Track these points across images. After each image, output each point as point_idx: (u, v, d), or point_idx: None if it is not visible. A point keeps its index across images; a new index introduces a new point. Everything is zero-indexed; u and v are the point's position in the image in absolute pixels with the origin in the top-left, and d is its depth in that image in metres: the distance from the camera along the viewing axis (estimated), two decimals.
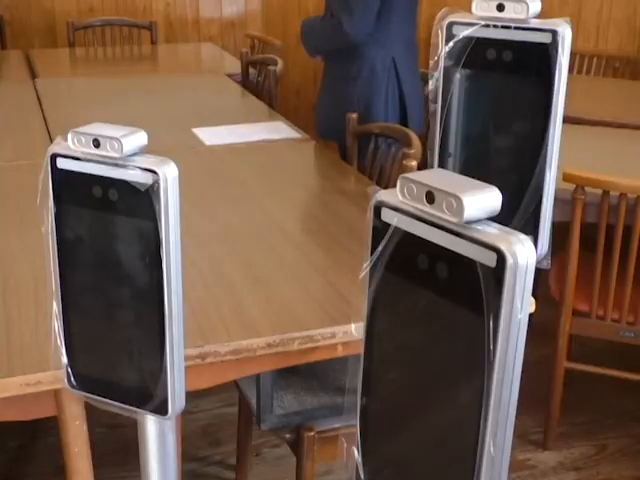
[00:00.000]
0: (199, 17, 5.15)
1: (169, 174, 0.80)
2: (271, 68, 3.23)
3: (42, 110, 2.84)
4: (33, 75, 3.53)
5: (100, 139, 0.82)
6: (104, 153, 0.82)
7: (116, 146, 0.81)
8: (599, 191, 2.05)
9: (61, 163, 0.84)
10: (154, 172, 0.79)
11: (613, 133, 2.78)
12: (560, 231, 2.09)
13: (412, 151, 2.07)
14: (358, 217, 1.82)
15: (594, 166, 2.18)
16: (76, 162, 0.83)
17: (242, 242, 1.73)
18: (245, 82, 3.50)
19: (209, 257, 1.64)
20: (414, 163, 2.03)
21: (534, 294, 0.69)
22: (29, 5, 4.89)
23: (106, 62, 4.17)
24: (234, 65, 3.79)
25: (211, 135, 2.58)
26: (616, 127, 2.83)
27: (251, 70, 3.58)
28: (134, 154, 0.82)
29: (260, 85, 3.43)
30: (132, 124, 2.32)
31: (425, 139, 2.26)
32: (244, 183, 2.14)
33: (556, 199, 0.96)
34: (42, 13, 4.92)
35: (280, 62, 3.30)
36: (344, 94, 2.57)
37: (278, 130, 2.66)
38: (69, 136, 0.85)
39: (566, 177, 2.05)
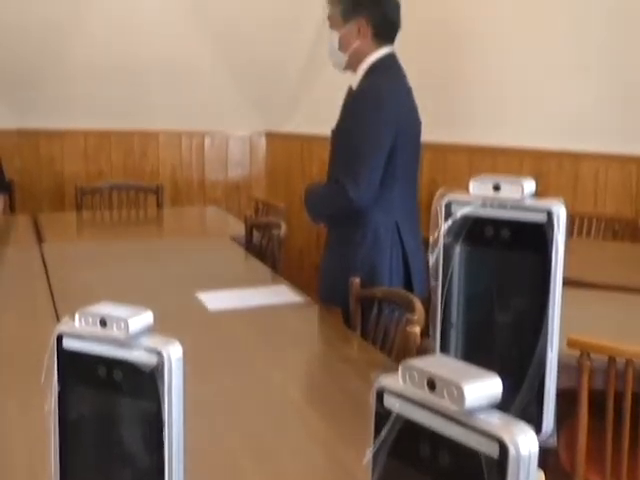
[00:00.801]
0: (205, 180, 5.35)
1: (173, 355, 0.81)
2: (275, 232, 3.32)
3: (47, 277, 2.90)
4: (40, 239, 3.62)
5: (107, 319, 0.84)
6: (110, 333, 0.84)
7: (122, 326, 0.83)
8: (605, 357, 2.05)
9: (67, 343, 0.86)
10: (158, 353, 0.81)
11: (616, 297, 2.82)
12: (567, 398, 2.07)
13: (415, 317, 2.10)
14: (362, 387, 1.82)
15: (598, 331, 2.19)
16: (82, 342, 0.85)
17: (245, 413, 1.72)
18: (249, 245, 3.59)
19: (210, 430, 1.63)
20: (417, 329, 2.05)
21: (543, 466, 0.69)
22: (40, 168, 5.10)
23: (112, 226, 4.29)
24: (238, 228, 3.89)
25: (214, 299, 2.62)
26: (619, 291, 2.87)
27: (255, 233, 3.67)
28: (140, 334, 0.84)
29: (264, 248, 3.51)
30: (136, 289, 2.38)
31: (428, 304, 2.29)
32: (247, 349, 2.15)
33: (561, 366, 0.97)
34: (52, 176, 5.12)
35: (283, 226, 3.40)
36: (348, 259, 2.62)
37: (281, 294, 2.70)
38: (76, 316, 0.88)
39: (570, 343, 2.05)
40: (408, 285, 2.61)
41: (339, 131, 2.67)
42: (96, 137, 5.14)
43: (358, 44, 2.65)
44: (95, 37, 4.70)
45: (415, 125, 2.72)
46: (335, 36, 2.66)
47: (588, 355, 2.07)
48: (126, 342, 0.84)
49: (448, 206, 1.00)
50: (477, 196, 0.96)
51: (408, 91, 2.68)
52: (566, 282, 1.04)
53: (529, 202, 0.94)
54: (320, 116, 4.89)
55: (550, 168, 4.15)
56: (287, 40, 4.80)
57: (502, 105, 4.19)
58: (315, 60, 4.75)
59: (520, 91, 4.13)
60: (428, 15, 4.24)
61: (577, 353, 2.07)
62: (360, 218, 2.59)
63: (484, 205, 0.94)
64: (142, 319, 0.86)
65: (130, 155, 5.22)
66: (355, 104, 2.59)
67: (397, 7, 2.68)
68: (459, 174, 4.36)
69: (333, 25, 2.68)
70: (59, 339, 0.87)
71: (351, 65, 2.69)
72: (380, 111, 2.52)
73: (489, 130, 4.24)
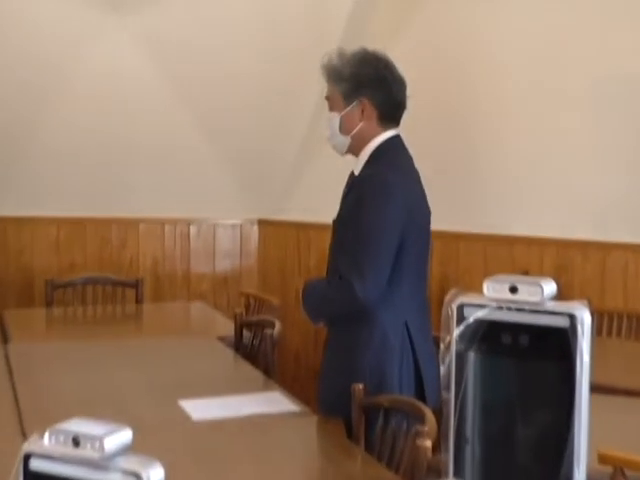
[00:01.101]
0: (190, 272, 5.37)
1: (154, 478, 0.81)
2: (268, 331, 3.31)
3: (12, 382, 2.88)
4: (5, 339, 3.61)
5: (80, 438, 0.84)
6: (84, 454, 0.84)
7: (97, 446, 0.83)
8: None
9: (35, 464, 0.86)
10: (137, 476, 0.81)
11: None
12: None
13: (426, 428, 2.08)
14: None
15: (632, 444, 2.17)
16: (52, 463, 0.85)
17: None
18: (238, 346, 3.57)
19: None
20: (428, 443, 2.03)
21: None
22: (6, 260, 5.12)
23: (86, 324, 4.28)
24: (226, 327, 3.89)
25: (199, 408, 2.60)
26: None
27: (245, 332, 3.66)
28: (117, 454, 0.84)
29: (255, 350, 3.49)
30: (113, 395, 2.36)
31: (440, 414, 2.27)
32: (236, 466, 2.12)
33: None
34: (20, 268, 5.14)
35: (278, 324, 3.39)
36: (352, 364, 2.60)
37: (274, 402, 2.68)
38: (46, 434, 0.88)
39: (602, 458, 2.03)
40: (420, 393, 2.59)
41: (342, 221, 2.70)
42: (69, 225, 5.18)
43: (362, 126, 2.70)
44: (70, 116, 4.79)
45: (425, 214, 2.75)
46: (336, 118, 2.72)
47: (622, 472, 2.04)
48: (101, 464, 0.84)
49: (460, 309, 1.01)
50: (492, 298, 0.98)
51: (416, 177, 2.73)
52: (594, 389, 1.04)
53: (550, 305, 0.95)
54: (318, 203, 4.97)
55: (574, 260, 4.17)
56: (280, 123, 4.90)
57: (520, 190, 4.24)
58: (311, 143, 4.85)
59: (540, 175, 4.19)
60: (436, 95, 4.35)
61: (609, 470, 2.04)
62: (366, 318, 2.59)
63: (500, 308, 0.96)
64: (119, 437, 0.86)
65: (107, 245, 5.25)
66: (360, 192, 2.62)
67: (403, 86, 2.75)
68: (473, 266, 4.39)
69: (333, 106, 2.74)
70: (26, 459, 0.87)
71: (354, 149, 2.74)
72: (388, 201, 2.56)
73: (506, 218, 4.28)
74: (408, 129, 2.78)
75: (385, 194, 2.56)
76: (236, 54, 4.59)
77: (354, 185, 2.68)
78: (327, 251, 2.79)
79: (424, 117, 4.10)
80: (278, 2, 4.43)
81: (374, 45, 2.77)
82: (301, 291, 2.76)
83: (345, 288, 2.54)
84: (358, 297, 2.51)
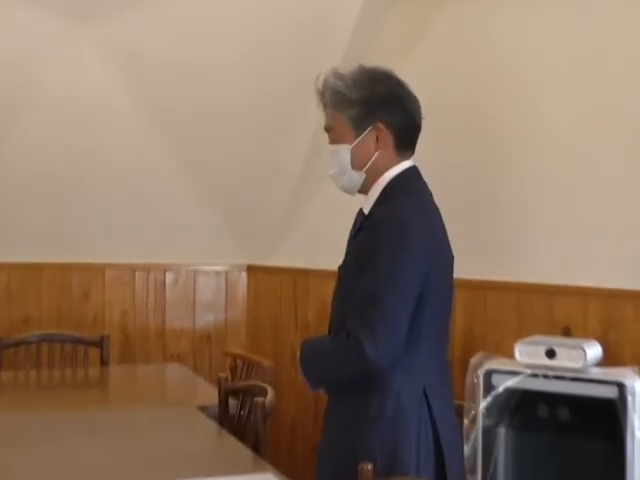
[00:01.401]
0: (165, 329, 5.37)
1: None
2: (258, 400, 3.31)
3: None
4: None
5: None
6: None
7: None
8: None
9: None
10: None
11: None
12: None
13: None
14: None
15: None
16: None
17: None
18: (223, 417, 3.56)
19: None
20: None
21: None
22: None
23: (41, 390, 4.27)
24: (209, 394, 3.88)
25: None
26: None
27: (231, 401, 3.65)
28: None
29: (243, 421, 3.48)
30: (71, 478, 2.34)
31: None
32: None
33: None
34: None
35: (270, 391, 3.39)
36: (360, 439, 2.58)
37: None
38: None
39: None
40: (441, 475, 2.58)
41: (349, 268, 2.69)
42: (22, 273, 5.19)
43: (377, 157, 2.71)
44: (22, 144, 4.80)
45: (448, 259, 2.76)
46: (345, 151, 2.72)
47: None
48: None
49: (488, 376, 1.02)
50: (526, 364, 0.98)
51: (437, 216, 2.73)
52: None
53: (594, 372, 0.96)
54: (318, 246, 4.98)
55: (625, 314, 4.15)
56: (274, 153, 4.93)
57: (559, 232, 4.23)
58: (309, 176, 4.87)
59: (582, 215, 4.17)
60: (455, 120, 4.37)
61: None
62: (377, 384, 2.58)
63: (535, 376, 0.96)
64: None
65: (67, 296, 5.25)
66: (372, 235, 2.62)
67: (418, 104, 2.77)
68: (503, 321, 4.37)
69: (339, 137, 2.74)
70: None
71: (368, 185, 2.75)
72: (406, 245, 2.55)
73: (543, 263, 4.27)
74: (423, 159, 2.80)
75: (402, 236, 2.56)
76: (224, 76, 4.63)
77: (364, 226, 2.68)
78: (330, 303, 2.79)
79: (441, 145, 4.12)
80: (272, 19, 4.46)
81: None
82: (298, 351, 2.75)
83: (353, 349, 2.53)
84: (369, 360, 2.49)
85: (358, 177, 2.73)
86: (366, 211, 2.73)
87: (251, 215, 5.19)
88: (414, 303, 2.56)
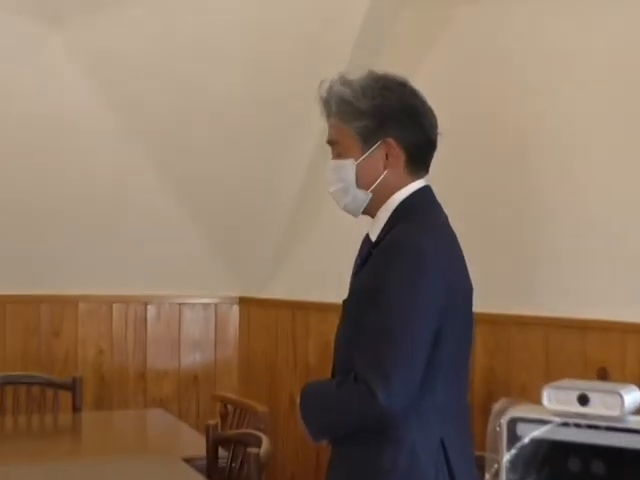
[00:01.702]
0: (146, 369, 5.36)
1: None
2: (252, 450, 3.30)
3: None
4: None
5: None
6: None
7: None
8: None
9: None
10: None
11: None
12: None
13: None
14: None
15: None
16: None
17: None
18: (212, 470, 3.56)
19: None
20: None
21: None
22: None
23: (5, 439, 4.25)
24: (196, 444, 3.87)
25: None
26: None
27: (221, 452, 3.65)
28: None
29: (234, 475, 3.48)
30: None
31: None
32: None
33: None
34: None
35: (265, 441, 3.38)
36: None
37: None
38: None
39: None
40: None
41: (356, 302, 2.68)
42: None
43: (386, 176, 2.70)
44: None
45: (466, 291, 2.74)
46: (349, 167, 2.71)
47: None
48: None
49: (512, 425, 1.02)
50: (555, 411, 0.99)
51: (454, 243, 2.73)
52: None
53: (633, 421, 0.96)
54: (318, 276, 4.96)
55: None
56: (269, 171, 4.94)
57: (593, 261, 4.22)
58: (310, 197, 4.88)
59: (619, 241, 4.17)
60: (474, 135, 4.38)
61: None
62: (389, 434, 2.57)
63: (566, 425, 0.97)
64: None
65: (34, 333, 5.25)
66: (382, 264, 2.60)
67: (434, 118, 2.75)
68: (530, 361, 4.37)
69: (344, 152, 2.72)
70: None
71: (374, 207, 2.74)
72: (421, 275, 2.54)
73: (575, 296, 4.26)
74: (435, 176, 2.79)
75: (417, 266, 2.54)
76: (216, 84, 4.65)
77: (373, 254, 2.68)
78: (334, 341, 2.79)
79: (456, 161, 4.12)
80: (270, 20, 4.48)
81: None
82: (299, 396, 2.74)
83: (362, 394, 2.51)
84: (381, 407, 2.48)
85: (363, 197, 2.72)
86: (373, 237, 2.71)
87: (243, 241, 5.19)
88: (431, 341, 2.55)
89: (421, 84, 2.81)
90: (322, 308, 4.93)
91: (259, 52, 4.55)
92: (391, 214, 2.69)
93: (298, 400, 2.74)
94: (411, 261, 2.55)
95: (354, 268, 2.79)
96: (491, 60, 4.39)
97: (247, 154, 4.88)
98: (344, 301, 2.74)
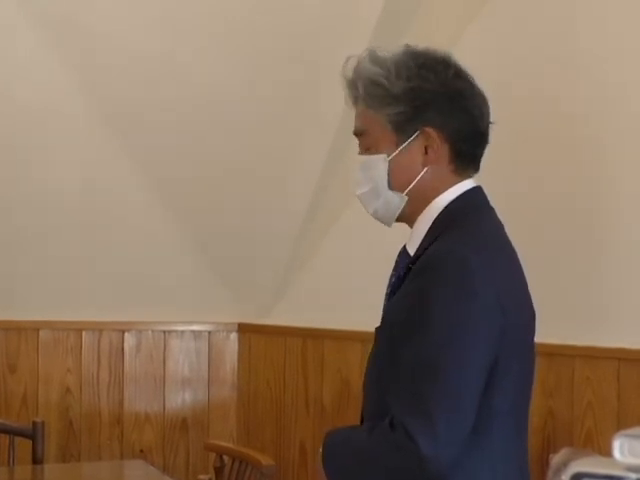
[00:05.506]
0: (123, 412, 5.37)
1: None
2: None
3: None
4: None
5: None
6: None
7: None
8: None
9: None
10: None
11: None
12: None
13: None
14: None
15: None
16: None
17: None
18: None
19: None
20: None
21: None
22: None
23: None
24: None
25: None
26: None
27: None
28: None
29: None
30: None
31: None
32: None
33: None
34: None
35: None
36: None
37: None
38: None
39: None
40: None
41: (390, 330, 2.66)
42: None
43: (425, 174, 2.69)
44: None
45: (526, 318, 2.74)
46: (380, 164, 2.69)
47: None
48: None
49: None
50: (627, 465, 0.97)
51: (512, 258, 2.71)
52: None
53: None
54: (335, 297, 4.96)
55: None
56: (275, 167, 4.95)
57: None
58: (325, 198, 4.89)
59: None
60: (535, 125, 4.38)
61: None
62: None
63: None
64: None
65: None
66: (423, 284, 2.58)
67: (486, 105, 2.74)
68: (599, 400, 4.36)
69: (372, 144, 2.71)
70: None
71: (409, 213, 2.72)
72: (471, 297, 2.53)
73: None
74: (484, 179, 2.78)
75: (466, 287, 2.52)
76: (215, 76, 4.68)
77: (411, 271, 2.66)
78: (363, 378, 2.78)
79: (507, 160, 4.12)
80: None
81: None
82: (322, 447, 2.73)
83: (400, 442, 2.50)
84: (423, 458, 2.46)
85: (398, 201, 2.70)
86: (412, 251, 2.70)
87: (243, 256, 5.20)
88: (485, 375, 2.54)
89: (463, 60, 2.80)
90: (339, 336, 4.92)
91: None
92: (433, 222, 2.67)
93: (320, 451, 2.73)
94: (456, 279, 2.53)
95: (388, 288, 2.77)
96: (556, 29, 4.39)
97: (247, 154, 4.89)
98: (377, 329, 2.72)
